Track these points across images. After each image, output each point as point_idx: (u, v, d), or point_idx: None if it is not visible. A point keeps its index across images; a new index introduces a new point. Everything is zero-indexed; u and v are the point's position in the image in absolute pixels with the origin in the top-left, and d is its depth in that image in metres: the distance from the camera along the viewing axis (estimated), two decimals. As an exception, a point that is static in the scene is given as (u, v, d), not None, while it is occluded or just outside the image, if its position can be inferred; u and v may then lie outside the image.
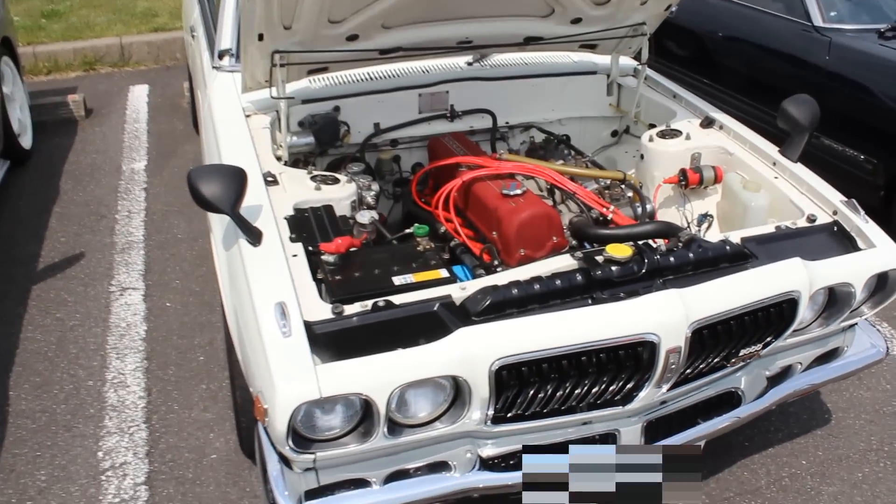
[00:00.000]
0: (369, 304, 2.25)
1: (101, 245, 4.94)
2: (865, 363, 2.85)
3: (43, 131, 6.39)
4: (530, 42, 3.50)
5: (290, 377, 2.02)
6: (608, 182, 3.10)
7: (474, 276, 2.93)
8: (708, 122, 3.37)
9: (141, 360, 3.91)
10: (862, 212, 2.76)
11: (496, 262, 2.82)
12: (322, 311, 2.23)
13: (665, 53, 6.18)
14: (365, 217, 2.77)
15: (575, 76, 3.82)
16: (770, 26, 5.26)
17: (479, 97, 3.67)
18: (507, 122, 3.77)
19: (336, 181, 2.88)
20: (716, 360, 2.44)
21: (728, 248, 2.52)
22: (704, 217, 3.18)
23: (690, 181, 3.17)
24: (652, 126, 3.70)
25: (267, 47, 3.02)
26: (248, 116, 3.35)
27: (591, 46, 3.73)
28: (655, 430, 2.53)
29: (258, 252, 2.43)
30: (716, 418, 2.60)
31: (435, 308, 2.25)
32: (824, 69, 4.73)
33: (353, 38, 3.14)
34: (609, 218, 2.86)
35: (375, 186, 3.04)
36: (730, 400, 2.69)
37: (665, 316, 2.19)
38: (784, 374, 2.79)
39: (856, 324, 2.84)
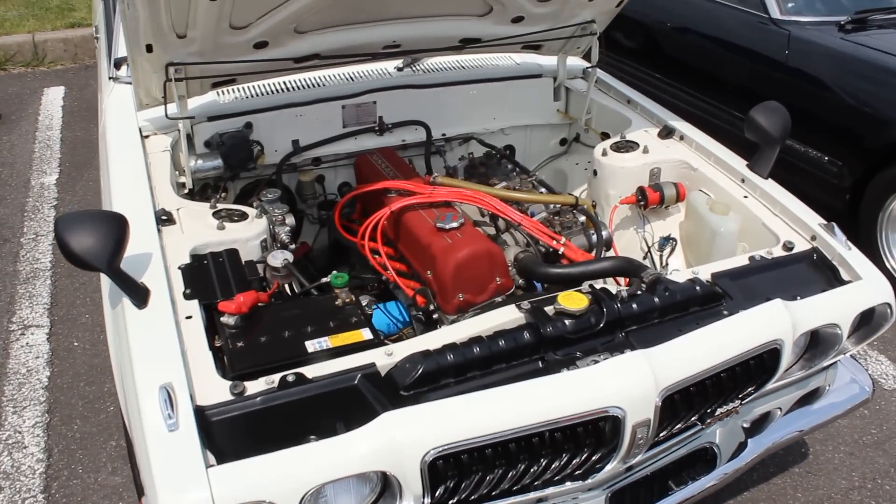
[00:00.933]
0: (277, 378, 1.85)
1: (2, 274, 4.41)
2: (852, 404, 2.55)
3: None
4: (467, 44, 3.11)
5: (175, 486, 1.63)
6: (558, 207, 2.72)
7: (410, 318, 2.55)
8: (667, 132, 3.03)
9: (42, 413, 3.43)
10: (843, 236, 2.44)
11: (432, 307, 2.43)
12: (219, 391, 1.83)
13: (612, 45, 5.85)
14: (277, 259, 2.36)
15: (518, 80, 3.44)
16: (725, 18, 4.94)
17: (411, 107, 3.27)
18: (443, 135, 3.38)
19: (243, 216, 2.46)
20: (689, 423, 2.10)
21: (698, 288, 2.18)
22: (667, 241, 2.85)
23: (650, 201, 2.82)
24: (605, 135, 3.36)
25: (159, 59, 2.58)
26: (145, 137, 2.90)
27: (535, 47, 3.35)
28: (622, 500, 2.18)
29: (143, 316, 2.00)
30: (692, 483, 2.26)
31: (356, 381, 1.87)
32: (784, 64, 4.44)
33: (261, 45, 2.71)
34: (560, 252, 2.50)
35: (291, 220, 2.62)
36: (704, 457, 2.36)
37: (630, 385, 1.83)
38: (762, 421, 2.47)
39: (838, 361, 2.54)
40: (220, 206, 2.52)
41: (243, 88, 3.16)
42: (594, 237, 2.70)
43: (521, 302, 2.08)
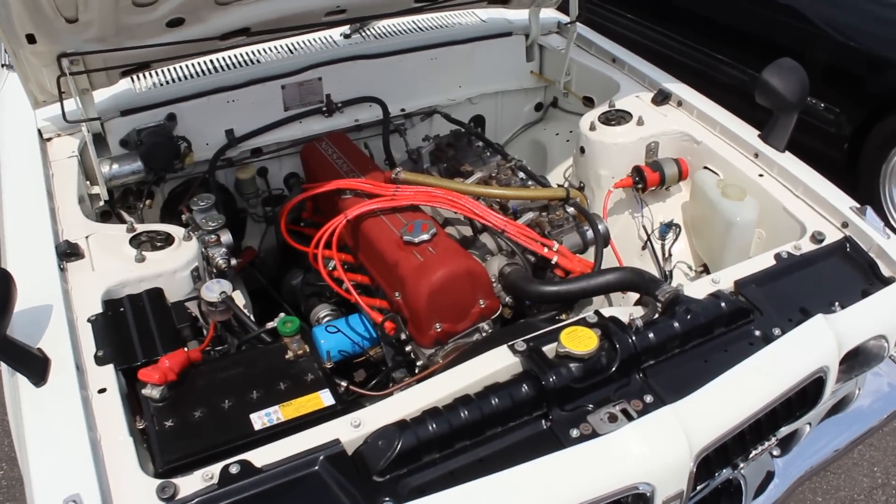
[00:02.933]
0: (217, 470, 1.45)
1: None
2: (890, 410, 2.24)
3: None
4: (423, 3, 2.64)
5: None
6: (545, 202, 2.31)
7: (378, 335, 2.16)
8: (662, 97, 2.61)
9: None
10: (879, 222, 2.09)
11: (403, 336, 2.04)
12: (144, 495, 1.43)
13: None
14: (212, 292, 1.93)
15: (485, 41, 2.98)
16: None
17: (364, 81, 2.80)
18: (402, 110, 2.92)
19: (168, 240, 2.02)
20: (721, 471, 1.76)
21: (724, 304, 1.81)
22: (669, 227, 2.47)
23: (649, 182, 2.43)
24: (588, 100, 2.94)
25: (47, 51, 2.08)
26: (47, 140, 2.41)
27: (502, 1, 2.89)
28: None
29: (42, 396, 1.59)
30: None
31: (317, 467, 1.48)
32: (773, 1, 4.01)
33: (176, 23, 2.22)
34: (553, 262, 2.10)
35: (227, 237, 2.18)
36: (727, 491, 2.04)
37: (660, 454, 1.48)
38: (790, 439, 2.15)
39: (872, 363, 2.21)
40: (138, 227, 2.06)
41: (162, 72, 2.66)
42: (589, 233, 2.30)
43: (515, 342, 1.69)
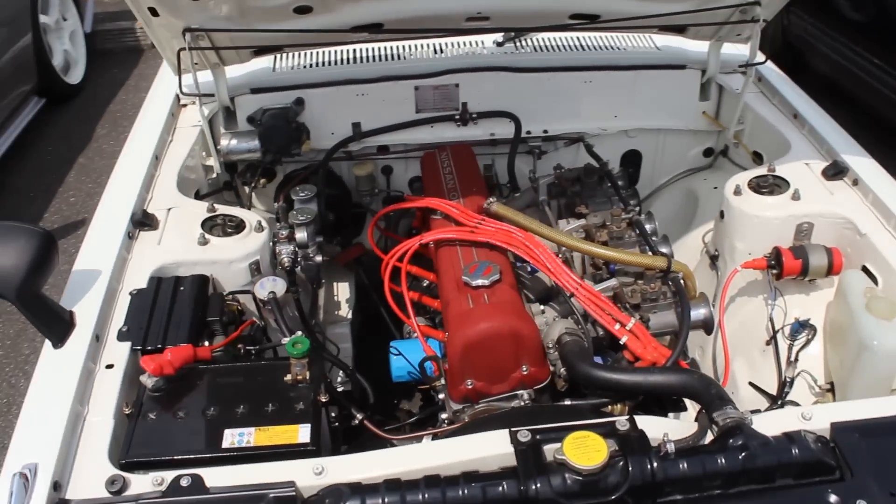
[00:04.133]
0: (169, 478, 1.41)
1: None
2: None
3: (104, 62, 5.89)
4: (578, 20, 2.39)
5: None
6: (641, 270, 1.99)
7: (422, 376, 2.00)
8: (836, 171, 2.16)
9: None
10: None
11: (439, 383, 1.87)
12: (95, 481, 1.42)
13: (825, 12, 4.67)
14: (263, 289, 1.90)
15: (651, 70, 2.66)
16: None
17: (505, 94, 2.62)
18: (544, 131, 2.70)
19: (238, 228, 2.01)
20: None
21: (796, 451, 1.43)
22: (803, 327, 2.04)
23: (786, 270, 2.02)
24: (757, 156, 2.53)
25: (172, 24, 2.15)
26: (183, 105, 2.53)
27: (678, 28, 2.55)
28: None
29: (54, 359, 1.64)
30: None
31: None
32: None
33: (303, 10, 2.19)
34: (623, 342, 1.80)
35: (302, 234, 2.13)
36: None
37: None
38: None
39: None
40: (220, 208, 2.08)
41: (295, 56, 2.67)
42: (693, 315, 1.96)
43: (520, 430, 1.46)
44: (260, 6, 2.13)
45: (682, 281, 1.93)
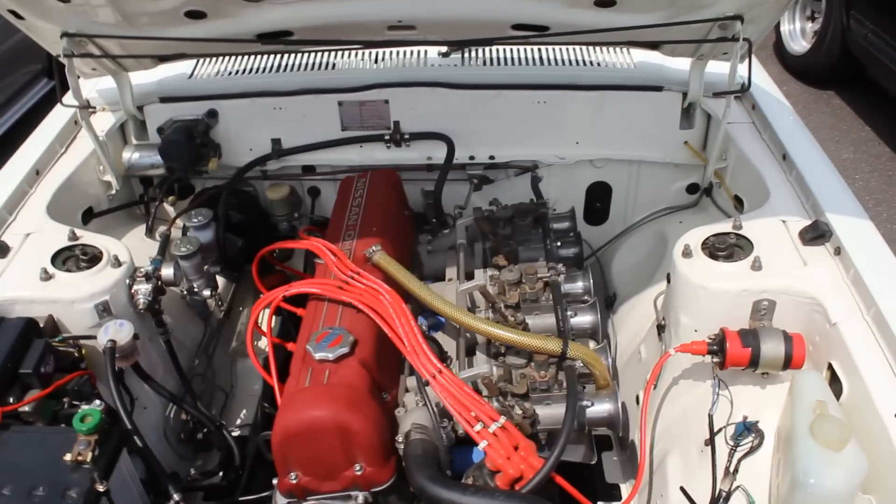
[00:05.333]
0: None
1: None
2: None
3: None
4: (523, 32, 2.01)
5: None
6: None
7: None
8: (816, 235, 1.72)
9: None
10: None
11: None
12: None
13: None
14: (105, 335, 1.63)
15: (620, 91, 2.24)
16: None
17: (445, 114, 2.26)
18: (490, 157, 2.32)
19: (92, 262, 1.75)
20: None
21: None
22: (747, 430, 1.62)
23: (729, 360, 1.61)
24: (738, 201, 2.10)
25: (46, 28, 1.90)
26: (92, 112, 2.28)
27: (649, 45, 2.13)
28: None
29: None
30: None
31: None
32: None
33: (196, 15, 1.89)
34: (481, 448, 1.43)
35: (168, 272, 1.84)
36: None
37: None
38: None
39: None
40: (82, 235, 1.82)
41: (219, 61, 2.38)
42: (593, 409, 1.57)
43: None
44: (144, 10, 1.85)
45: (577, 370, 1.54)
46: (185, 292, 2.03)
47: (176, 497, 1.55)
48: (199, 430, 2.02)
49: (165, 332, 1.89)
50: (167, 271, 1.86)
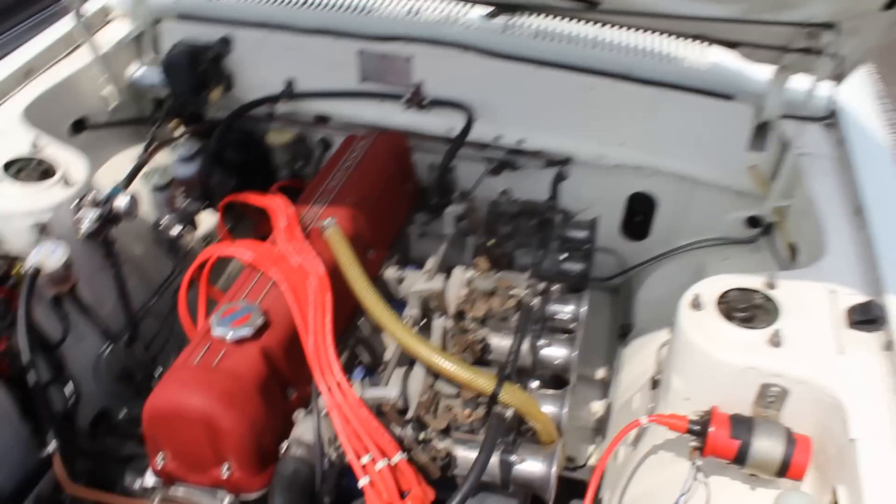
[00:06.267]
0: None
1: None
2: None
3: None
4: (592, 7, 1.68)
5: None
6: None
7: None
8: (866, 318, 1.35)
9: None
10: None
11: None
12: None
13: None
14: (32, 257, 1.49)
15: (680, 92, 1.87)
16: None
17: (474, 83, 1.97)
18: (518, 141, 2.02)
19: (45, 175, 1.61)
20: None
21: None
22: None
23: (709, 447, 1.30)
24: (793, 250, 1.73)
25: None
26: (107, 20, 2.13)
27: (728, 44, 1.76)
28: None
29: None
30: None
31: None
32: None
33: None
34: (360, 486, 1.19)
35: (124, 201, 1.67)
36: None
37: None
38: None
39: None
40: (47, 144, 1.68)
41: None
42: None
43: None
44: None
45: (504, 418, 1.27)
46: (165, 228, 1.87)
47: (50, 448, 1.39)
48: (136, 372, 1.88)
49: (116, 265, 1.74)
50: (122, 201, 1.69)
